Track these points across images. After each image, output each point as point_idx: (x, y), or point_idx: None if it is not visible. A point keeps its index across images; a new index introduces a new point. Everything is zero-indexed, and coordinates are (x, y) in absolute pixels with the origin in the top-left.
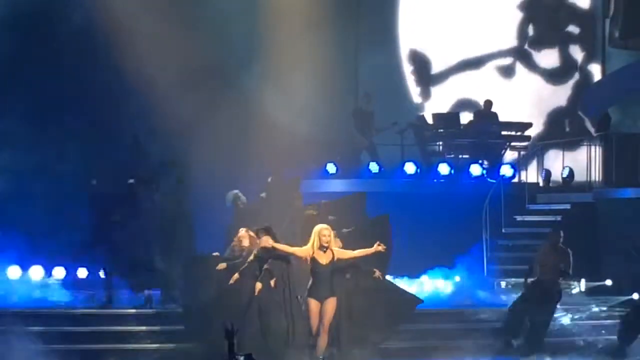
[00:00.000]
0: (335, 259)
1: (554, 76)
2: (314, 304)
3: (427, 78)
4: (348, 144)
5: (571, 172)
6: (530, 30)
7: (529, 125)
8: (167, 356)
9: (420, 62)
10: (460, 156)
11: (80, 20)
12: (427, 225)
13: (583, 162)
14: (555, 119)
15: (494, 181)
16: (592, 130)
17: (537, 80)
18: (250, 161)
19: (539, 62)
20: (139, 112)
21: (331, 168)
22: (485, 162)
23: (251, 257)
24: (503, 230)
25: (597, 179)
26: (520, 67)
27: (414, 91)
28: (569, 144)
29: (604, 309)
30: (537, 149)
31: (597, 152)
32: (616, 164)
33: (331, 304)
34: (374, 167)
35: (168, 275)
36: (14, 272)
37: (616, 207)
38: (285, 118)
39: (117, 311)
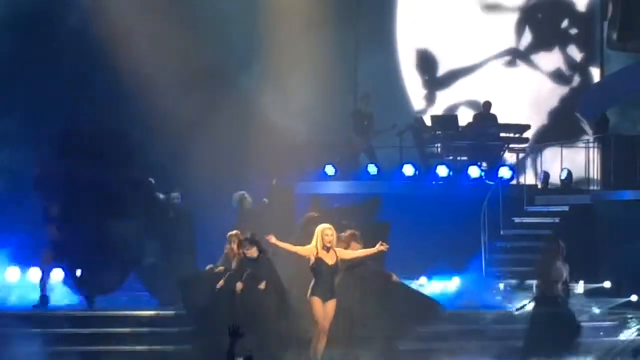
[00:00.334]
0: (339, 259)
1: (553, 78)
2: (319, 302)
3: (425, 80)
4: (347, 146)
5: (569, 174)
6: (529, 32)
7: (527, 127)
8: (165, 358)
9: (419, 64)
10: (458, 158)
11: (79, 21)
12: (425, 227)
13: (581, 164)
14: (554, 121)
15: (492, 183)
16: (590, 132)
17: (535, 82)
18: (249, 163)
19: (538, 64)
20: (138, 112)
21: (330, 170)
22: (484, 164)
23: (234, 265)
24: (501, 232)
25: (595, 181)
26: (518, 69)
27: (413, 93)
28: (568, 146)
29: (603, 310)
30: (535, 151)
31: (595, 154)
32: (614, 166)
33: (332, 305)
34: (372, 168)
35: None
36: (13, 273)
37: (614, 209)
38: (284, 119)
39: (116, 313)
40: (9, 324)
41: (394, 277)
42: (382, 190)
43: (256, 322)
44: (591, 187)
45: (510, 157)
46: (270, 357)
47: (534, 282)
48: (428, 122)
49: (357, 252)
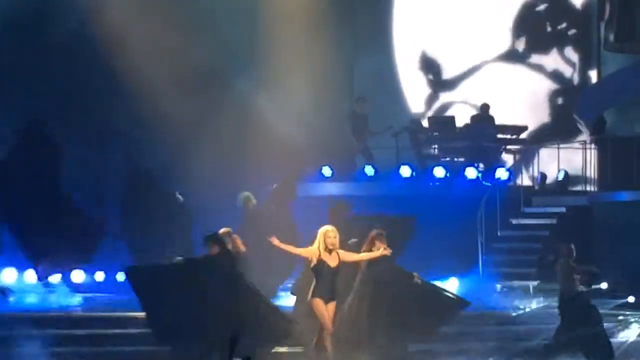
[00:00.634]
0: (341, 261)
1: (550, 79)
2: (321, 304)
3: (422, 81)
4: (344, 147)
5: (566, 175)
6: (527, 34)
7: (524, 128)
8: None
9: (415, 66)
10: (455, 159)
11: (76, 22)
12: (422, 228)
13: (579, 165)
14: (551, 122)
15: (489, 184)
16: (587, 133)
17: (532, 83)
18: (247, 164)
19: (535, 65)
20: (134, 113)
21: (327, 171)
22: (481, 166)
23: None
24: (498, 234)
25: (592, 182)
26: (516, 70)
27: (410, 94)
28: (565, 147)
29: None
30: (532, 152)
31: (592, 155)
32: (611, 168)
33: (332, 306)
34: (369, 170)
35: None
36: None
37: (611, 211)
38: (282, 121)
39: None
40: (6, 325)
41: (416, 277)
42: (379, 192)
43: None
44: (588, 188)
45: (507, 159)
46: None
47: (530, 284)
48: (425, 123)
49: (359, 255)
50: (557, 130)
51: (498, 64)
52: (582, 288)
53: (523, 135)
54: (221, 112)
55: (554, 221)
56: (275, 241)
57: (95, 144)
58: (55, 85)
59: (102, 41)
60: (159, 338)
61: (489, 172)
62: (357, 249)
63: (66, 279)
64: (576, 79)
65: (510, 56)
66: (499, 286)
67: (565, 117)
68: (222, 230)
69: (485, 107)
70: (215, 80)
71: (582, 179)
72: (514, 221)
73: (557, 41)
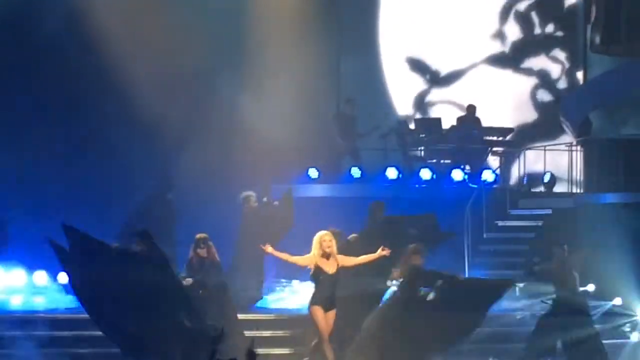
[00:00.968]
0: (340, 266)
1: (536, 81)
2: (320, 311)
3: (409, 83)
4: (330, 149)
5: (553, 177)
6: (512, 36)
7: (510, 130)
8: None
9: (402, 67)
10: (442, 161)
11: (61, 23)
12: None
13: (565, 167)
14: (537, 124)
15: (475, 186)
16: (573, 135)
17: (518, 85)
18: (232, 166)
19: (521, 67)
20: (119, 114)
21: (313, 173)
22: (467, 168)
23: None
24: (484, 235)
25: (578, 184)
26: (502, 72)
27: (396, 96)
28: (551, 149)
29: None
30: (518, 154)
31: (578, 157)
32: (597, 170)
33: (332, 315)
34: (355, 172)
35: None
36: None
37: (597, 213)
38: (267, 123)
39: None
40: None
41: (459, 276)
42: (366, 194)
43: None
44: (574, 190)
45: (493, 161)
46: None
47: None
48: (412, 125)
49: (358, 259)
50: (543, 132)
51: (485, 65)
52: (579, 290)
53: (509, 137)
54: (206, 113)
55: (539, 223)
56: (269, 249)
57: (79, 143)
58: (38, 85)
59: (86, 42)
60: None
61: (475, 174)
62: (357, 244)
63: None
64: (562, 81)
65: (497, 58)
66: None
67: (551, 119)
68: (198, 236)
69: (470, 108)
70: (200, 81)
71: (568, 181)
72: (500, 223)
73: (544, 43)
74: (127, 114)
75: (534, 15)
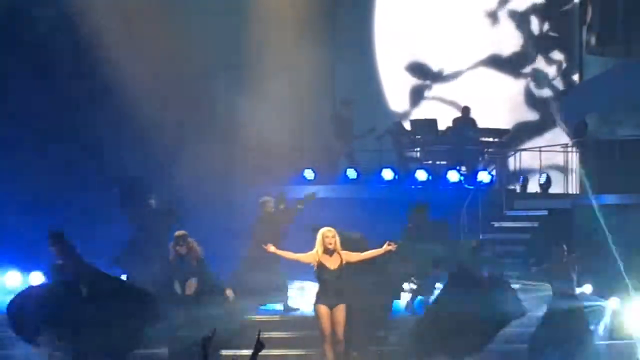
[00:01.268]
0: (344, 262)
1: (532, 82)
2: (324, 310)
3: (404, 84)
4: (326, 150)
5: (548, 178)
6: (508, 37)
7: (506, 131)
8: None
9: (397, 68)
10: (437, 162)
11: (54, 24)
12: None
13: (561, 168)
14: (533, 125)
15: (471, 187)
16: (569, 136)
17: (515, 86)
18: (227, 167)
19: (517, 68)
20: (113, 116)
21: (309, 174)
22: (463, 169)
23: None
24: (480, 237)
25: (574, 185)
26: (498, 74)
27: (392, 97)
28: (547, 151)
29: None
30: (514, 155)
31: (574, 158)
32: (593, 171)
33: (342, 311)
34: (351, 173)
35: None
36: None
37: (593, 214)
38: (262, 124)
39: None
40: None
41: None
42: (362, 195)
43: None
44: (570, 192)
45: (489, 162)
46: None
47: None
48: (407, 126)
49: (364, 254)
50: (539, 133)
51: (480, 66)
52: (578, 290)
53: (505, 139)
54: (202, 114)
55: (535, 224)
56: (271, 248)
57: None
58: (31, 89)
59: (82, 43)
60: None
61: (471, 175)
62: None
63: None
64: (558, 82)
65: (493, 59)
66: None
67: (547, 120)
68: (177, 233)
69: (466, 110)
70: (196, 83)
71: (564, 182)
72: (496, 224)
73: (540, 45)
74: (123, 115)
75: (529, 17)
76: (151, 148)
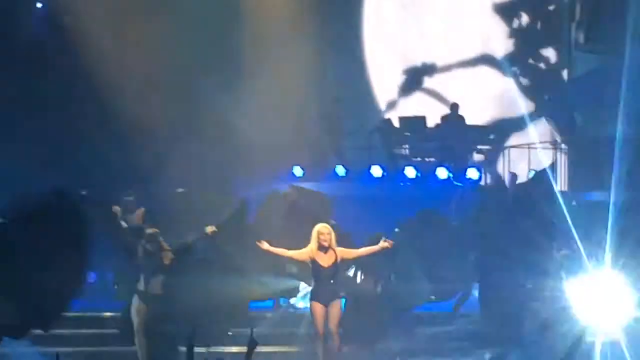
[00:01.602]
0: (339, 259)
1: (520, 79)
2: (318, 307)
3: (393, 81)
4: (315, 147)
5: None
6: (497, 34)
7: (494, 128)
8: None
9: (386, 65)
10: (426, 159)
11: (40, 23)
12: (393, 229)
13: (549, 165)
14: (521, 122)
15: (460, 184)
16: (557, 133)
17: (503, 83)
18: (216, 164)
19: (506, 65)
20: (100, 115)
21: (298, 171)
22: (452, 166)
23: None
24: None
25: (562, 182)
26: (486, 71)
27: (381, 94)
28: (535, 148)
29: None
30: (502, 153)
31: (562, 155)
32: (582, 168)
33: (337, 307)
34: (340, 170)
35: None
36: None
37: (582, 210)
38: (251, 121)
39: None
40: None
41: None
42: (350, 192)
43: None
44: (558, 188)
45: (477, 159)
46: None
47: None
48: (396, 123)
49: (359, 250)
50: (528, 130)
51: (469, 63)
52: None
53: (493, 136)
54: (191, 113)
55: None
56: (265, 245)
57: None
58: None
59: (69, 41)
60: None
61: (459, 173)
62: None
63: None
64: (547, 80)
65: (481, 56)
66: None
67: (536, 117)
68: (149, 230)
69: (454, 107)
70: (184, 81)
71: (552, 179)
72: None
73: (528, 42)
74: (110, 114)
75: (518, 14)
76: (135, 146)
